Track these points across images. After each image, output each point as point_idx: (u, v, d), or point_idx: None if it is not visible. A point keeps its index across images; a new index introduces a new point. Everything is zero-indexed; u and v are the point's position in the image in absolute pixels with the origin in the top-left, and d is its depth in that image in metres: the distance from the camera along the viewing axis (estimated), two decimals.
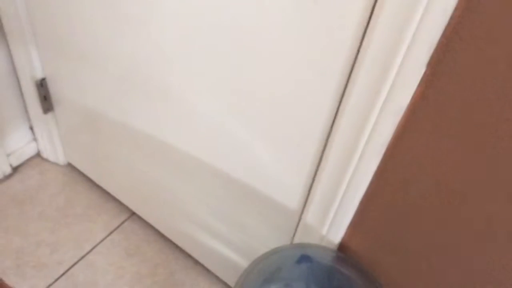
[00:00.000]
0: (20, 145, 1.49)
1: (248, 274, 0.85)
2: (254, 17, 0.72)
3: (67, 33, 1.08)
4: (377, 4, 0.57)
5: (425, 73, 0.59)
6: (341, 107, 0.71)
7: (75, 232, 1.39)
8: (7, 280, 1.24)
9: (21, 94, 1.37)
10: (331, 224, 0.87)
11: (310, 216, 0.89)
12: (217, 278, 1.31)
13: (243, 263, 1.15)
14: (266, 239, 1.04)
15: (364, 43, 0.61)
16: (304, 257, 0.86)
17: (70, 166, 1.55)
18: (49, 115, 1.37)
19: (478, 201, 0.65)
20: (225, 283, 1.30)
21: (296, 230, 0.96)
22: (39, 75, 1.26)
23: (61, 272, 1.29)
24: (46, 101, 1.31)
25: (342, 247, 0.89)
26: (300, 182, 0.87)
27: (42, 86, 1.28)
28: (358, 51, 0.63)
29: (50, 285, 1.26)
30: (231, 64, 0.81)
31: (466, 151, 0.62)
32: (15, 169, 1.51)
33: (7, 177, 1.48)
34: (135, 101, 1.06)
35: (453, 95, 0.59)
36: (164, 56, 0.91)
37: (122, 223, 1.43)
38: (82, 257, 1.33)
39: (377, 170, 0.74)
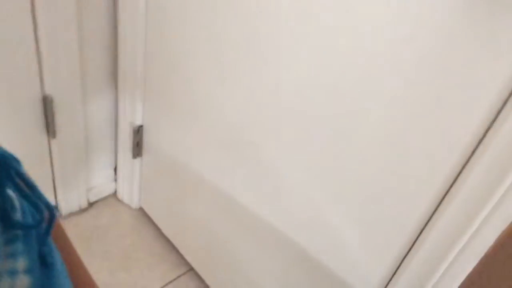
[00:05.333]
0: (101, 183, 1.58)
1: None
2: (366, 110, 0.76)
3: (175, 90, 1.18)
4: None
5: None
6: (439, 209, 0.71)
7: (133, 277, 1.41)
8: None
9: (115, 137, 1.47)
10: None
11: None
12: None
13: None
14: None
15: (481, 146, 0.63)
16: None
17: (142, 211, 1.60)
18: (136, 160, 1.45)
19: None
20: None
21: None
22: (138, 122, 1.35)
23: None
24: (137, 147, 1.40)
25: None
26: (380, 274, 0.86)
27: (138, 132, 1.37)
28: (473, 152, 0.64)
29: None
30: (334, 150, 0.84)
31: None
32: (91, 205, 1.58)
33: (83, 210, 1.55)
34: (225, 163, 1.11)
35: None
36: (267, 128, 0.96)
37: (179, 276, 1.44)
38: None
39: (467, 279, 0.72)
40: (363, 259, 0.88)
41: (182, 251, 1.47)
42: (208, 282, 1.39)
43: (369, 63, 0.73)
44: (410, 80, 0.68)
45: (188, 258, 1.45)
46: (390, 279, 0.85)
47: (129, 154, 1.43)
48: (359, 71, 0.74)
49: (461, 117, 0.65)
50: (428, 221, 0.75)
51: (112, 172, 1.58)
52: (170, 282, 1.42)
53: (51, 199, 1.49)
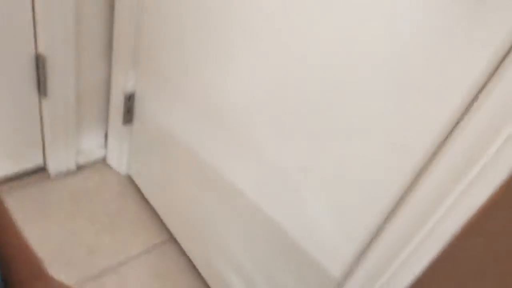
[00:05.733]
0: (91, 147, 1.59)
1: None
2: (341, 91, 0.77)
3: (167, 60, 1.18)
4: (480, 98, 0.60)
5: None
6: (411, 193, 0.72)
7: (116, 241, 1.43)
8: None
9: (108, 103, 1.48)
10: None
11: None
12: None
13: None
14: None
15: (454, 133, 0.64)
16: None
17: (129, 178, 1.62)
18: (126, 127, 1.47)
19: None
20: None
21: None
22: (130, 90, 1.36)
23: (91, 275, 1.33)
24: (128, 114, 1.41)
25: None
26: (350, 252, 0.88)
27: (129, 100, 1.38)
28: (446, 139, 0.66)
29: (76, 281, 1.29)
30: (317, 133, 0.85)
31: None
32: (79, 168, 1.60)
33: (71, 173, 1.57)
34: (212, 135, 1.12)
35: None
36: (257, 107, 0.97)
37: (161, 244, 1.46)
38: (115, 267, 1.36)
39: (433, 261, 0.74)
40: (332, 236, 0.90)
41: (164, 220, 1.50)
42: (187, 250, 1.42)
43: (352, 47, 0.73)
44: (393, 64, 0.69)
45: (170, 227, 1.47)
46: (359, 259, 0.87)
47: (119, 120, 1.44)
48: (341, 51, 0.75)
49: (434, 107, 0.66)
50: (395, 208, 0.76)
51: (103, 137, 1.60)
52: (152, 248, 1.45)
53: (40, 159, 1.51)
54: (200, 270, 1.38)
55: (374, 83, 0.72)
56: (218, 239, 1.24)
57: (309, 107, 0.84)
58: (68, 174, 1.57)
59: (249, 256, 1.14)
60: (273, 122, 0.94)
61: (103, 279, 1.33)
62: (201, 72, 1.08)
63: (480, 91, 0.60)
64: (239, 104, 1.00)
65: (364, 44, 0.72)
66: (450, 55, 0.62)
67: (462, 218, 0.67)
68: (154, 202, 1.53)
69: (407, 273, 0.78)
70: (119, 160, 1.59)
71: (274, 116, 0.93)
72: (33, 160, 1.49)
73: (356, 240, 0.86)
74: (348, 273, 0.89)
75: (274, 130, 0.94)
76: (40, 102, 1.33)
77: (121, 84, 1.37)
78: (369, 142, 0.77)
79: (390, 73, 0.70)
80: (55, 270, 1.29)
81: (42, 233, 1.39)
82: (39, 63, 1.23)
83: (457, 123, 0.64)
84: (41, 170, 1.54)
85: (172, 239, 1.48)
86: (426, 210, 0.71)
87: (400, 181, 0.74)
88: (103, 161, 1.66)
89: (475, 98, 0.61)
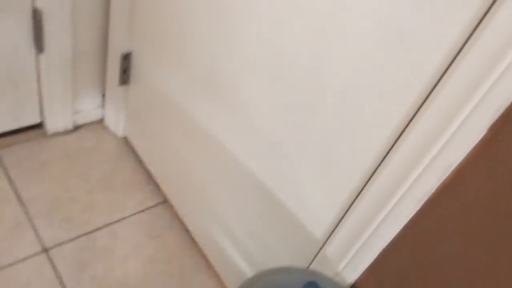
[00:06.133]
0: (88, 108, 1.60)
1: (252, 284, 0.86)
2: (336, 48, 0.76)
3: (164, 22, 1.17)
4: (459, 56, 0.60)
5: (484, 136, 0.60)
6: (393, 149, 0.73)
7: (109, 200, 1.45)
8: (36, 224, 1.32)
9: (105, 62, 1.48)
10: (349, 262, 0.87)
11: (331, 249, 0.90)
12: (224, 286, 1.32)
13: None
14: (283, 260, 1.05)
15: (435, 90, 0.63)
16: (312, 284, 0.86)
17: (125, 140, 1.63)
18: (123, 88, 1.47)
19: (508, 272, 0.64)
20: None
21: (314, 259, 0.96)
22: (126, 49, 1.36)
23: (85, 232, 1.35)
24: (125, 74, 1.41)
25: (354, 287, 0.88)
26: (331, 213, 0.88)
27: (126, 59, 1.37)
28: (428, 95, 0.65)
29: (71, 239, 1.32)
30: (302, 90, 0.85)
31: (501, 228, 0.62)
32: (76, 128, 1.61)
33: (67, 132, 1.58)
34: (205, 98, 1.12)
35: (506, 165, 0.59)
36: (249, 72, 0.96)
37: (154, 206, 1.48)
38: (108, 225, 1.39)
39: (410, 221, 0.74)
40: (315, 196, 0.90)
41: (159, 182, 1.51)
42: (179, 213, 1.44)
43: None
44: (378, 22, 0.68)
45: (164, 189, 1.49)
46: (340, 220, 0.87)
47: (116, 80, 1.44)
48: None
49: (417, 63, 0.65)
50: (376, 169, 0.77)
51: (100, 98, 1.60)
52: (145, 209, 1.47)
53: (37, 116, 1.52)
54: (192, 232, 1.40)
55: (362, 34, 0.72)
56: (209, 201, 1.25)
57: (298, 69, 0.84)
58: (65, 133, 1.58)
59: (239, 218, 1.15)
60: (263, 87, 0.94)
61: (96, 236, 1.35)
62: (197, 35, 1.07)
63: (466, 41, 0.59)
64: (233, 69, 1.00)
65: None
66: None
67: (438, 178, 0.67)
68: (149, 164, 1.54)
69: (385, 234, 0.78)
70: (116, 122, 1.60)
71: (264, 82, 0.93)
72: (30, 117, 1.50)
73: (337, 203, 0.87)
74: (330, 234, 0.90)
75: (263, 94, 0.94)
76: (36, 57, 1.33)
77: (118, 43, 1.36)
78: (354, 102, 0.77)
79: (379, 23, 0.69)
80: (49, 225, 1.32)
81: (37, 188, 1.41)
82: (36, 17, 1.22)
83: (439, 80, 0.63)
84: (38, 128, 1.55)
85: (166, 201, 1.50)
86: (403, 171, 0.71)
87: (382, 142, 0.74)
88: (101, 122, 1.66)
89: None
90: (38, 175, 1.44)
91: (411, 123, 0.69)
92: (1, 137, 1.49)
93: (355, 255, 0.85)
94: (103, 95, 1.59)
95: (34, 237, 1.29)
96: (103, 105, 1.62)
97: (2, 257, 1.23)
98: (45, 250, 1.27)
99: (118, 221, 1.41)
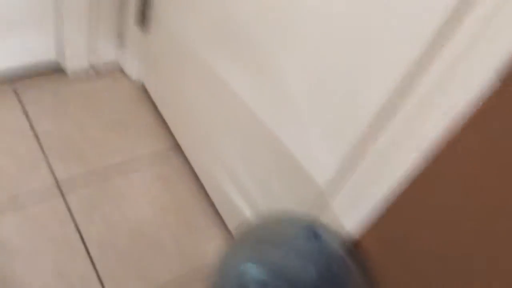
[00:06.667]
0: (107, 51, 1.60)
1: (253, 227, 0.87)
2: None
3: None
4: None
5: (494, 85, 0.58)
6: (400, 96, 0.71)
7: (122, 140, 1.48)
8: (50, 158, 1.35)
9: (125, 5, 1.46)
10: (351, 216, 0.87)
11: (336, 201, 0.90)
12: (229, 232, 1.35)
13: None
14: (286, 208, 1.06)
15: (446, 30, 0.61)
16: (314, 232, 0.87)
17: (142, 85, 1.64)
18: (142, 34, 1.46)
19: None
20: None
21: (316, 209, 0.97)
22: None
23: (96, 169, 1.38)
24: (144, 19, 1.40)
25: (354, 241, 0.88)
26: (336, 163, 0.88)
27: (145, 2, 1.35)
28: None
29: (83, 174, 1.35)
30: (318, 40, 0.83)
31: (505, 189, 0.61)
32: (95, 71, 1.62)
33: (85, 72, 1.60)
34: (221, 48, 1.11)
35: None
36: (266, 23, 0.95)
37: (166, 150, 1.50)
38: (119, 164, 1.41)
39: (414, 177, 0.74)
40: (322, 145, 0.90)
41: (172, 128, 1.52)
42: (189, 158, 1.46)
43: None
44: None
45: (176, 135, 1.51)
46: (345, 172, 0.87)
47: (135, 24, 1.43)
48: None
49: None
50: (382, 117, 0.76)
51: (120, 43, 1.60)
52: (157, 153, 1.49)
53: (55, 55, 1.53)
54: (200, 177, 1.42)
55: None
56: (218, 147, 1.26)
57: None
58: (83, 74, 1.59)
59: (245, 164, 1.16)
60: (278, 37, 0.93)
61: (107, 174, 1.38)
62: None
63: None
64: (250, 18, 0.99)
65: None
66: None
67: (444, 128, 0.66)
68: (163, 111, 1.55)
69: (389, 189, 0.78)
70: (133, 67, 1.60)
71: (279, 31, 0.91)
72: (47, 54, 1.51)
73: (343, 153, 0.86)
74: (335, 186, 0.90)
75: (277, 43, 0.93)
76: None
77: None
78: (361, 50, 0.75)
79: None
80: (63, 160, 1.36)
81: (54, 125, 1.44)
82: None
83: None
84: (59, 70, 1.57)
85: (177, 146, 1.51)
86: (409, 121, 0.70)
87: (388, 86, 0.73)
88: (119, 66, 1.67)
89: None
90: (54, 113, 1.47)
91: (420, 67, 0.67)
92: (22, 75, 1.51)
93: (358, 209, 0.85)
94: (122, 41, 1.58)
95: (48, 172, 1.33)
96: (122, 49, 1.61)
97: (16, 189, 1.27)
98: (58, 185, 1.31)
99: (129, 161, 1.44)
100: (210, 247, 1.31)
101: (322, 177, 0.93)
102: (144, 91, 1.63)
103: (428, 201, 0.74)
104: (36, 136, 1.39)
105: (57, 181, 1.32)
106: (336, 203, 0.90)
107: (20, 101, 1.46)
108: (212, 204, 1.40)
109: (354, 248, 0.88)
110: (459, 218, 0.69)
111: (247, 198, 1.19)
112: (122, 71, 1.66)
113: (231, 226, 1.33)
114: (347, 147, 0.85)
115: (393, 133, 0.74)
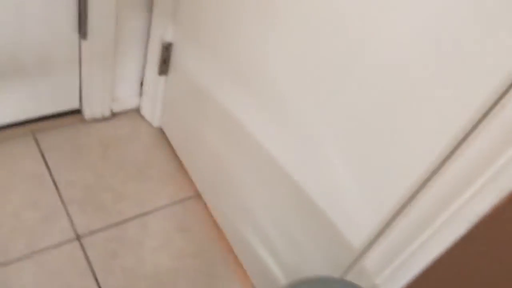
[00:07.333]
0: (126, 95, 1.60)
1: None
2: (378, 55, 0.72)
3: (206, 15, 1.15)
4: None
5: None
6: (449, 161, 0.68)
7: (142, 190, 1.45)
8: (70, 211, 1.32)
9: (146, 52, 1.47)
10: (387, 277, 0.83)
11: (370, 261, 0.86)
12: (252, 285, 1.30)
13: (283, 281, 1.13)
14: (316, 267, 1.02)
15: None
16: None
17: (161, 130, 1.62)
18: (162, 78, 1.45)
19: None
20: None
21: (349, 269, 0.92)
22: (168, 39, 1.34)
23: (116, 221, 1.35)
24: (165, 64, 1.40)
25: None
26: (373, 223, 0.84)
27: (166, 49, 1.36)
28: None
29: (102, 228, 1.32)
30: (345, 91, 0.81)
31: None
32: (113, 115, 1.61)
33: (104, 119, 1.59)
34: (242, 96, 1.09)
35: None
36: (291, 75, 0.93)
37: (186, 199, 1.47)
38: (139, 215, 1.38)
39: (456, 242, 0.70)
40: (357, 205, 0.86)
41: (192, 175, 1.50)
42: (211, 207, 1.42)
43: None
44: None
45: (197, 182, 1.48)
46: (382, 231, 0.83)
47: (155, 70, 1.43)
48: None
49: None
50: (427, 181, 0.72)
51: (138, 87, 1.60)
52: (178, 202, 1.46)
53: (76, 102, 1.52)
54: (223, 228, 1.38)
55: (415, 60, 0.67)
56: (242, 199, 1.22)
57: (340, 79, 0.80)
58: (102, 119, 1.58)
59: (271, 218, 1.12)
60: (304, 90, 0.91)
61: (127, 226, 1.35)
62: (239, 32, 1.05)
63: None
64: (272, 68, 0.97)
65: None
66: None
67: (490, 201, 0.63)
68: (183, 156, 1.53)
69: (429, 252, 0.74)
70: (152, 111, 1.59)
71: (305, 85, 0.89)
72: (69, 103, 1.51)
73: (381, 213, 0.82)
74: (369, 246, 0.86)
75: (306, 98, 0.91)
76: (80, 43, 1.33)
77: (160, 33, 1.35)
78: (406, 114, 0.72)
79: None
80: (83, 212, 1.33)
81: (72, 173, 1.42)
82: (81, 3, 1.22)
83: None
84: (76, 113, 1.56)
85: (198, 194, 1.48)
86: (455, 190, 0.67)
87: (433, 157, 0.70)
88: (137, 111, 1.66)
89: None
90: (74, 161, 1.45)
91: (471, 136, 0.64)
92: (39, 121, 1.50)
93: (395, 270, 0.81)
94: (141, 84, 1.58)
95: (68, 224, 1.30)
96: (140, 94, 1.61)
97: (36, 242, 1.24)
98: (78, 237, 1.28)
99: (149, 212, 1.40)
100: None
101: (356, 236, 0.89)
102: (164, 136, 1.61)
103: (468, 266, 0.70)
104: (56, 185, 1.37)
105: (76, 233, 1.28)
106: (370, 262, 0.86)
107: (40, 149, 1.44)
108: (234, 255, 1.35)
109: None
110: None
111: (272, 251, 1.15)
112: (141, 116, 1.65)
113: (254, 279, 1.28)
114: (387, 207, 0.81)
115: (439, 195, 0.71)
